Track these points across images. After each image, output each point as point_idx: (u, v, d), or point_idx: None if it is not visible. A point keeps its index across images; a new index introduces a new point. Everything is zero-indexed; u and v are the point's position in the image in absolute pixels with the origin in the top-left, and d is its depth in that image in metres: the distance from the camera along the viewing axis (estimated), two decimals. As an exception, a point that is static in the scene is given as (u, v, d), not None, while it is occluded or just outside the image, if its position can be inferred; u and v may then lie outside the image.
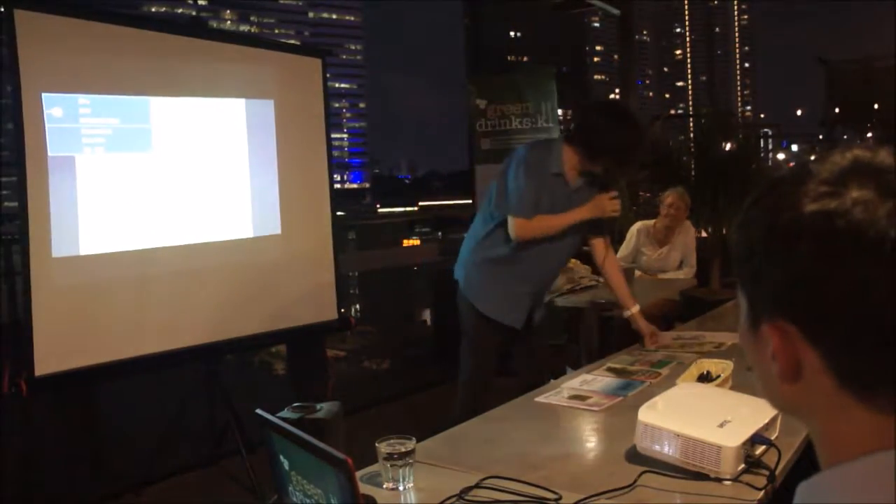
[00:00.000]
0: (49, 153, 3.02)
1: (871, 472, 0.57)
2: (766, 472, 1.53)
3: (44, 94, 3.00)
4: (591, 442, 1.90)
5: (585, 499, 1.47)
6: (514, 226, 2.88)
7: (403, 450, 1.56)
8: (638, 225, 4.97)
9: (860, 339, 0.56)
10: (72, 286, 3.12)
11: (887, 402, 0.57)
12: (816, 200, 0.57)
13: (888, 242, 0.54)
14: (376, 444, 1.58)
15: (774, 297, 0.60)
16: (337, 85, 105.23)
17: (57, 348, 3.03)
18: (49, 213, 3.02)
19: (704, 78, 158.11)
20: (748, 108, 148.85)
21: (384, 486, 1.57)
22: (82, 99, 3.15)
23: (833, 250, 0.56)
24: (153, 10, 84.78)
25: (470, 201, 6.27)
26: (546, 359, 3.39)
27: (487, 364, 3.09)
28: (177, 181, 3.48)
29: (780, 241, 0.59)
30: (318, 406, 3.14)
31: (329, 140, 4.16)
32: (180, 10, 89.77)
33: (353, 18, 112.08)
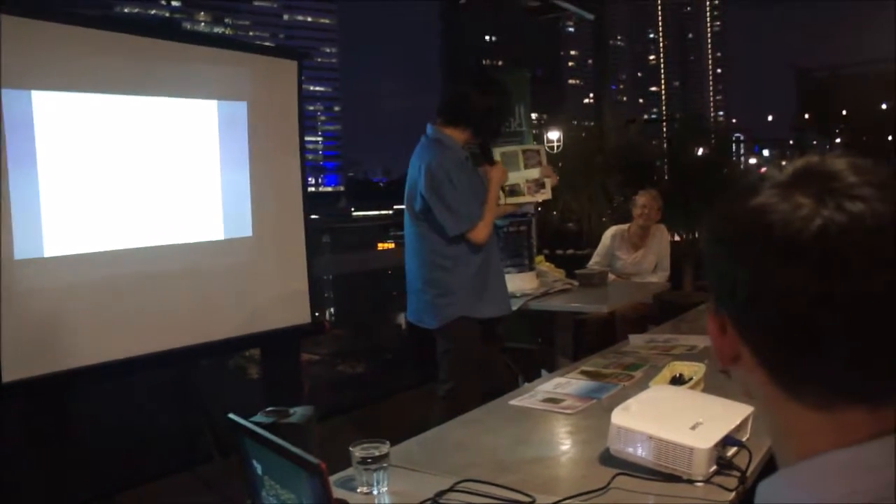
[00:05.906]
0: (8, 152, 2.92)
1: (816, 473, 0.58)
2: (738, 474, 1.54)
3: (3, 91, 2.90)
4: (564, 445, 1.91)
5: (559, 501, 1.47)
6: (474, 238, 3.03)
7: (377, 454, 1.56)
8: (612, 230, 4.99)
9: (785, 337, 0.57)
10: (36, 289, 3.04)
11: (813, 399, 0.59)
12: (759, 204, 0.59)
13: (815, 250, 0.55)
14: (350, 448, 1.58)
15: (715, 291, 0.63)
16: (312, 88, 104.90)
17: (25, 354, 2.97)
18: (10, 214, 2.93)
19: (678, 83, 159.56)
20: (721, 113, 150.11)
21: (358, 490, 1.56)
22: (47, 96, 3.07)
23: (763, 252, 0.57)
24: (126, 10, 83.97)
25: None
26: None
27: (475, 375, 3.07)
28: (145, 182, 3.42)
29: (718, 240, 0.62)
30: (292, 410, 3.13)
31: (303, 142, 4.14)
32: (153, 11, 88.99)
33: (328, 21, 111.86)
